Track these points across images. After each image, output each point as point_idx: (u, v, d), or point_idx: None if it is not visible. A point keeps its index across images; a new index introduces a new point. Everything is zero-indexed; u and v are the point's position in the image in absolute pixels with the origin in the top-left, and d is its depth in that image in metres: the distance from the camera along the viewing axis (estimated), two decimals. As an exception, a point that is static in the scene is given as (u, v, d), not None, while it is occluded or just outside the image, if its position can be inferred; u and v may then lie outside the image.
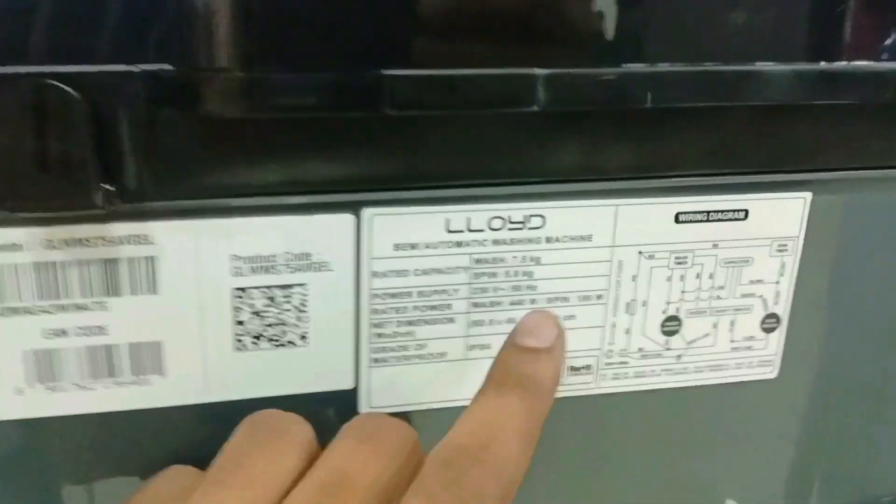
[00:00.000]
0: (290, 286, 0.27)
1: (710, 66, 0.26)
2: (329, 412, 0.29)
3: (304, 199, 0.26)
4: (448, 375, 0.30)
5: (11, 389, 0.26)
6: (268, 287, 0.27)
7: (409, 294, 0.28)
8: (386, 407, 0.30)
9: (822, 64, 0.27)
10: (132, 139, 0.24)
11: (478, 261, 0.28)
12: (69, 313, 0.26)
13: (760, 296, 0.32)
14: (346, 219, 0.27)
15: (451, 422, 0.29)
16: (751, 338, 0.32)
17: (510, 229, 0.28)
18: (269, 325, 0.27)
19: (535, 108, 0.25)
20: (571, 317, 0.30)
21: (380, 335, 0.29)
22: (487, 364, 0.29)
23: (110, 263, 0.26)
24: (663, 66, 0.26)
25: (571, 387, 0.31)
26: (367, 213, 0.27)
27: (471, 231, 0.28)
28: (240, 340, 0.27)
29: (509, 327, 0.29)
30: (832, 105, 0.28)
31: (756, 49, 0.26)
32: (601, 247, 0.29)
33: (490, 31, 0.24)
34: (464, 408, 0.30)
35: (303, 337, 0.28)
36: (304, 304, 0.28)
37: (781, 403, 0.34)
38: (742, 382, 0.33)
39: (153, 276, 0.26)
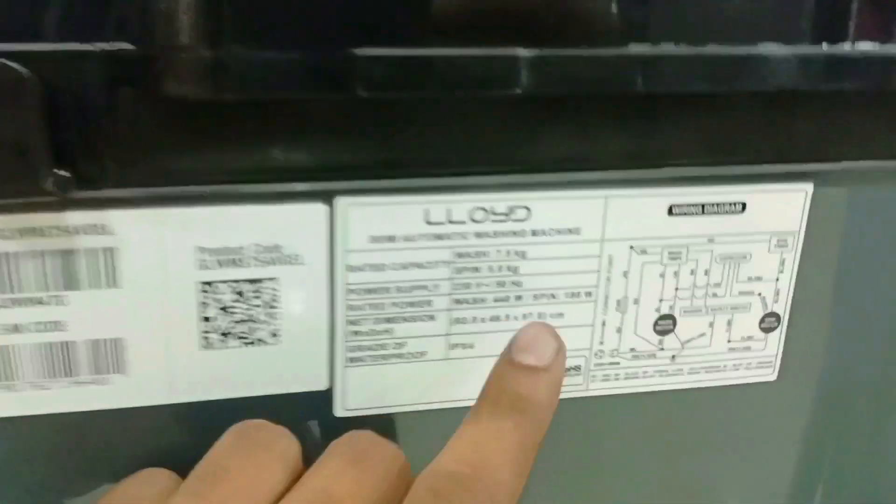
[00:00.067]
0: (259, 280, 0.26)
1: (706, 49, 0.25)
2: (302, 415, 0.28)
3: (274, 187, 0.25)
4: (428, 376, 0.29)
5: (-38, 388, 0.25)
6: (236, 281, 0.26)
7: (387, 289, 0.27)
8: (362, 409, 0.28)
9: (825, 47, 0.26)
10: (89, 122, 0.23)
11: (459, 255, 0.27)
12: (24, 308, 0.25)
13: (759, 294, 0.30)
14: (319, 209, 0.26)
15: (431, 425, 0.28)
16: (749, 338, 0.31)
17: (493, 221, 0.27)
18: (238, 322, 0.26)
19: (519, 91, 0.23)
20: (559, 314, 0.29)
21: (356, 333, 0.27)
22: (470, 364, 0.28)
23: (67, 255, 0.24)
24: (656, 49, 0.25)
25: (559, 389, 0.29)
26: (341, 202, 0.26)
27: (452, 223, 0.27)
28: (207, 338, 0.26)
29: (493, 325, 0.28)
30: (835, 91, 0.27)
31: (755, 31, 0.25)
32: (590, 241, 0.28)
33: (471, 7, 0.23)
34: (445, 410, 0.29)
35: (274, 334, 0.27)
36: (274, 300, 0.26)
37: (782, 407, 0.33)
38: (740, 385, 0.32)
39: (113, 269, 0.25)
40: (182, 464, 0.27)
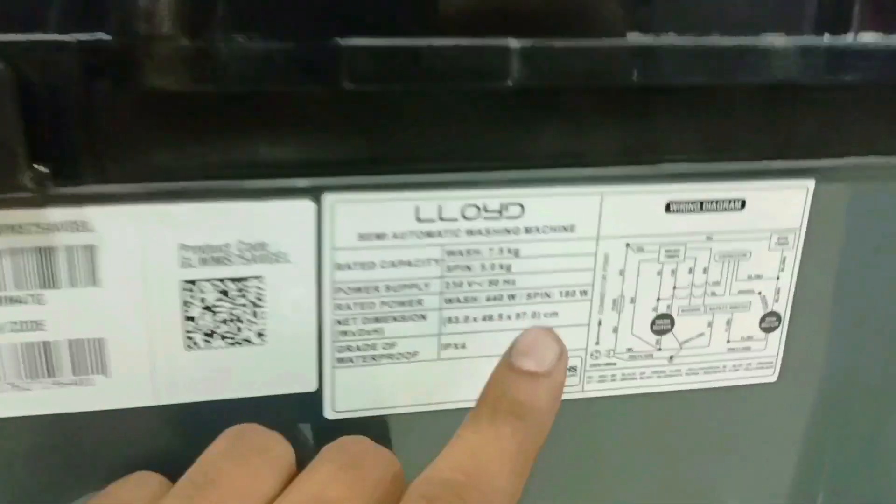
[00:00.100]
0: (244, 279, 0.25)
1: (704, 40, 0.24)
2: (290, 417, 0.28)
3: (259, 183, 0.24)
4: (420, 377, 0.28)
5: (-61, 390, 0.24)
6: (220, 280, 0.25)
7: (377, 288, 0.26)
8: (352, 411, 0.28)
9: (827, 38, 0.25)
10: (66, 115, 0.22)
11: (451, 252, 0.26)
12: (2, 307, 0.24)
13: (759, 293, 0.30)
14: (306, 206, 0.25)
15: (423, 427, 0.28)
16: (749, 338, 0.31)
17: (486, 218, 0.26)
18: (223, 322, 0.26)
19: (510, 82, 0.23)
20: (553, 314, 0.28)
21: (344, 333, 0.27)
22: (462, 364, 0.28)
23: (46, 252, 0.24)
24: (653, 39, 0.24)
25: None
26: (328, 199, 0.25)
27: (443, 220, 0.26)
28: (191, 338, 0.26)
29: (486, 325, 0.27)
30: (838, 84, 0.26)
31: (754, 21, 0.25)
32: (585, 238, 0.27)
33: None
34: (437, 412, 0.28)
35: (260, 334, 0.26)
36: (260, 299, 0.26)
37: (782, 409, 0.33)
38: (740, 386, 0.31)
39: (93, 267, 0.24)
40: (168, 467, 0.27)
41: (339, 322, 0.27)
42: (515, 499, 0.22)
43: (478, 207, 0.26)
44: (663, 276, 0.29)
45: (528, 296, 0.28)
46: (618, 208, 0.27)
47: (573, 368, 0.29)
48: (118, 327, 0.25)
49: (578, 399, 0.30)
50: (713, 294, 0.29)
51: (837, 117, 0.27)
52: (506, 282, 0.27)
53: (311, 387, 0.27)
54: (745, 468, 0.34)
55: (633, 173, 0.27)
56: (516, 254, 0.27)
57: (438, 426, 0.24)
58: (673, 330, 0.30)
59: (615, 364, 0.30)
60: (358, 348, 0.27)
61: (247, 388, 0.27)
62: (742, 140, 0.27)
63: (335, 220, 0.25)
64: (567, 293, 0.28)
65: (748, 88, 0.26)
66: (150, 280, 0.25)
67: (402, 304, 0.27)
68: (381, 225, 0.26)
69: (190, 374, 0.26)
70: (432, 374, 0.28)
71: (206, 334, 0.26)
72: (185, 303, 0.25)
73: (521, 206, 0.27)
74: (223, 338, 0.26)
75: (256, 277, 0.25)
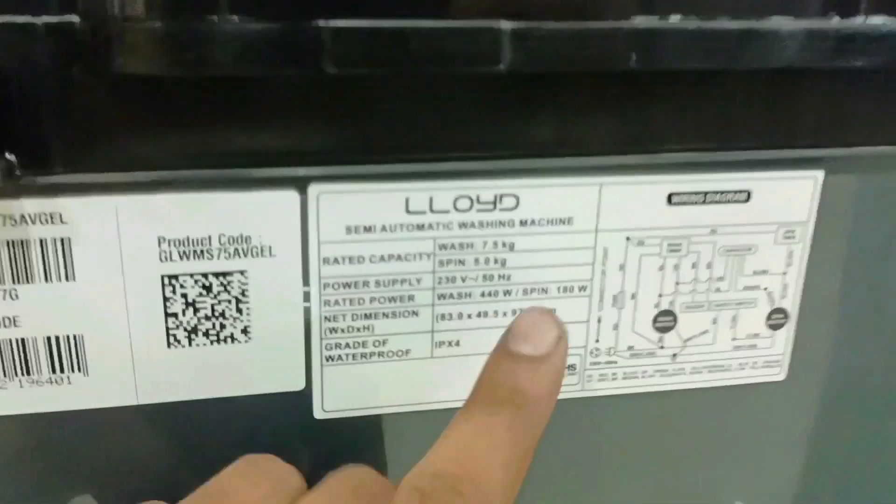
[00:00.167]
0: (227, 273, 0.24)
1: (707, 23, 0.23)
2: (278, 416, 0.27)
3: (241, 173, 0.24)
4: (412, 375, 0.27)
5: None
6: (202, 274, 0.24)
7: (366, 283, 0.26)
8: (343, 410, 0.27)
9: (836, 21, 0.24)
10: (36, 102, 0.21)
11: (443, 246, 0.25)
12: (-26, 302, 0.23)
13: (765, 288, 0.29)
14: (290, 196, 0.24)
15: (416, 427, 0.27)
16: (755, 335, 0.30)
17: (479, 211, 0.25)
18: (206, 318, 0.25)
19: (501, 67, 0.22)
20: (551, 310, 0.27)
21: (333, 330, 0.26)
22: (456, 362, 0.27)
23: (18, 246, 0.23)
24: (653, 22, 0.23)
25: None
26: (313, 190, 0.24)
27: (434, 212, 0.25)
28: (172, 335, 0.25)
29: (480, 321, 0.26)
30: (848, 70, 0.25)
31: (760, 3, 0.24)
32: (583, 231, 0.27)
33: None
34: (430, 411, 0.27)
35: (244, 331, 0.25)
36: (244, 294, 0.25)
37: (790, 408, 0.32)
38: (746, 385, 0.31)
39: (68, 261, 0.23)
40: (152, 469, 0.26)
41: (327, 318, 0.26)
42: (513, 492, 0.21)
43: (471, 199, 0.25)
44: (665, 270, 0.28)
45: (525, 291, 0.27)
46: (617, 200, 0.27)
47: (572, 367, 0.28)
48: (96, 324, 0.24)
49: (578, 398, 0.29)
50: (717, 290, 0.29)
51: (847, 104, 0.27)
52: (501, 277, 0.27)
53: (298, 386, 0.27)
54: (751, 469, 0.33)
55: (634, 163, 0.26)
56: (511, 248, 0.26)
57: (432, 426, 0.23)
58: (676, 327, 0.29)
59: (616, 362, 0.29)
60: (347, 346, 0.26)
61: (232, 388, 0.26)
62: (747, 128, 0.26)
63: (321, 212, 0.24)
64: (565, 289, 0.27)
65: (753, 74, 0.25)
66: (128, 275, 0.24)
67: (392, 299, 0.26)
68: (370, 217, 0.25)
69: (172, 372, 0.25)
70: (425, 373, 0.27)
71: (189, 331, 0.25)
72: (166, 299, 0.24)
73: (516, 197, 0.26)
74: (206, 335, 0.25)
75: (240, 272, 0.25)
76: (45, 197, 0.23)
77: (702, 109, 0.25)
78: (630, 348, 0.29)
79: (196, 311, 0.25)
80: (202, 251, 0.24)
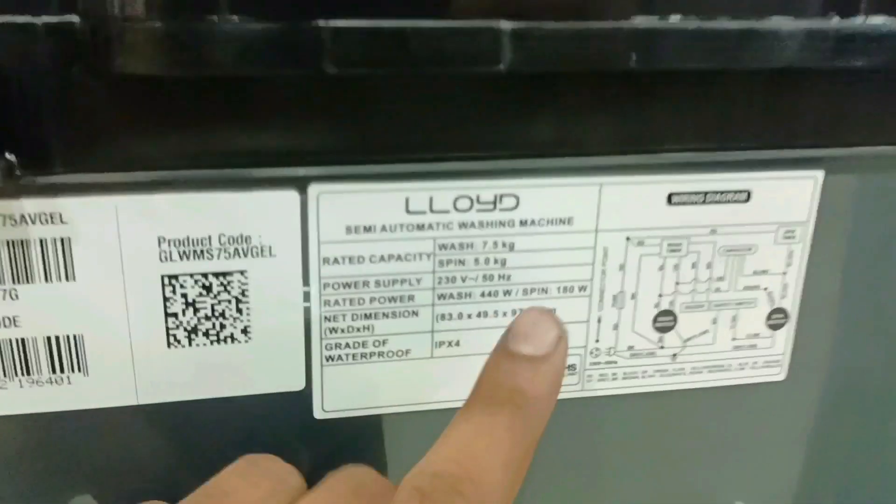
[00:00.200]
0: (227, 273, 0.24)
1: (707, 23, 0.23)
2: (277, 416, 0.27)
3: (241, 173, 0.24)
4: (412, 375, 0.27)
5: None
6: (202, 274, 0.24)
7: (366, 283, 0.26)
8: (343, 410, 0.27)
9: (836, 20, 0.24)
10: (36, 102, 0.21)
11: (443, 246, 0.25)
12: (-26, 302, 0.23)
13: (765, 288, 0.29)
14: (290, 196, 0.24)
15: (416, 427, 0.27)
16: (755, 335, 0.30)
17: (479, 211, 0.25)
18: (206, 318, 0.25)
19: (501, 67, 0.22)
20: (551, 310, 0.27)
21: (333, 330, 0.26)
22: (456, 362, 0.27)
23: (18, 246, 0.23)
24: (653, 22, 0.23)
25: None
26: (313, 190, 0.24)
27: (434, 212, 0.25)
28: (172, 335, 0.25)
29: (480, 321, 0.26)
30: (849, 70, 0.25)
31: (760, 3, 0.24)
32: (583, 231, 0.27)
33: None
34: (430, 411, 0.27)
35: (244, 331, 0.25)
36: (244, 294, 0.25)
37: (790, 408, 0.32)
38: (746, 385, 0.31)
39: (68, 261, 0.23)
40: (151, 469, 0.26)
41: (327, 318, 0.26)
42: (513, 492, 0.21)
43: (471, 199, 0.25)
44: (665, 270, 0.28)
45: (525, 291, 0.27)
46: (617, 200, 0.27)
47: (572, 367, 0.28)
48: (96, 324, 0.24)
49: (578, 398, 0.29)
50: (717, 290, 0.29)
51: (847, 104, 0.27)
52: (501, 277, 0.26)
53: (298, 386, 0.26)
54: (751, 469, 0.33)
55: (633, 163, 0.26)
56: (511, 248, 0.26)
57: (432, 426, 0.23)
58: (676, 327, 0.29)
59: (616, 362, 0.29)
60: (347, 346, 0.26)
61: (231, 388, 0.26)
62: (747, 128, 0.26)
63: (321, 212, 0.24)
64: (565, 289, 0.27)
65: (753, 74, 0.25)
66: (128, 275, 0.24)
67: (392, 300, 0.26)
68: (370, 217, 0.25)
69: (172, 372, 0.25)
70: (425, 373, 0.27)
71: (189, 331, 0.25)
72: (166, 299, 0.24)
73: (516, 197, 0.26)
74: (206, 335, 0.25)
75: (240, 272, 0.25)
76: (45, 197, 0.23)
77: (702, 109, 0.25)
78: (630, 348, 0.29)
79: (196, 311, 0.25)
80: (202, 251, 0.24)
